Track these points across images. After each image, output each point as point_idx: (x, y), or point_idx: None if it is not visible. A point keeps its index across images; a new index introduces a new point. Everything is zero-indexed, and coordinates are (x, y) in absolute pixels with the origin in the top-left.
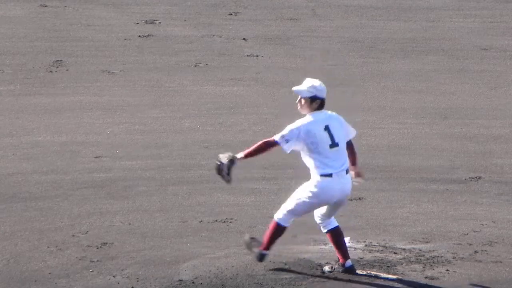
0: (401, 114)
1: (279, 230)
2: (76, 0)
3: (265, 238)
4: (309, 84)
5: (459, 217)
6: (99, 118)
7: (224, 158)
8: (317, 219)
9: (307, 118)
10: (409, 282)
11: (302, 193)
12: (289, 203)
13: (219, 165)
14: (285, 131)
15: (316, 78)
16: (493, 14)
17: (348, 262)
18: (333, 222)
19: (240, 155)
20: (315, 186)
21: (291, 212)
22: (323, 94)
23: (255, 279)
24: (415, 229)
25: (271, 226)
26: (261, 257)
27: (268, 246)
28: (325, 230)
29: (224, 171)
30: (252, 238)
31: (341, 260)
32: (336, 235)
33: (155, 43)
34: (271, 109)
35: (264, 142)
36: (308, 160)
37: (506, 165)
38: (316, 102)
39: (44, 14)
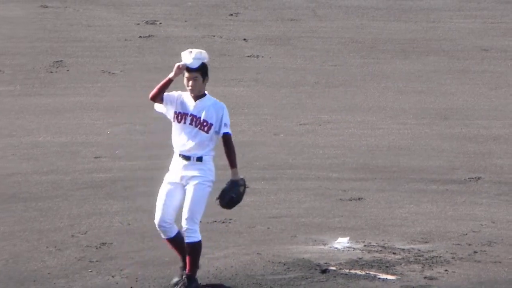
0: (401, 115)
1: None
2: (76, 0)
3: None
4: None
5: (459, 218)
6: (99, 118)
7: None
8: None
9: None
10: (408, 283)
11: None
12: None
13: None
14: (228, 121)
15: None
16: (494, 14)
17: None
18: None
19: (235, 172)
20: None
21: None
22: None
23: (254, 279)
24: (414, 229)
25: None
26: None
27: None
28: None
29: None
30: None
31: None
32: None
33: (155, 43)
34: (271, 109)
35: (233, 145)
36: (210, 144)
37: (506, 166)
38: (207, 79)
39: (44, 15)
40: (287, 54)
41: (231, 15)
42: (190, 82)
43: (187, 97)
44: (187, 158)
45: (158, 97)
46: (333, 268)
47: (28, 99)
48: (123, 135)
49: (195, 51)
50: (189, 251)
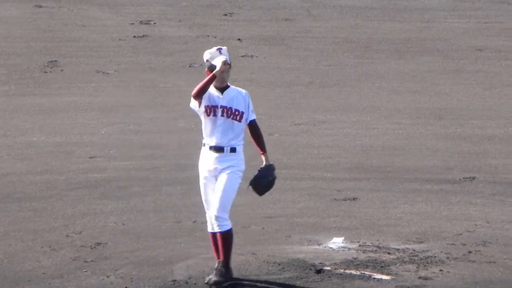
0: (395, 115)
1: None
2: (71, 0)
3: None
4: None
5: (453, 217)
6: (93, 118)
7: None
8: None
9: None
10: (403, 283)
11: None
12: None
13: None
14: (252, 107)
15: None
16: (488, 14)
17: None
18: None
19: (267, 156)
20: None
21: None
22: None
23: (249, 279)
24: (409, 229)
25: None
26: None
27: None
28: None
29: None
30: None
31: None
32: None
33: (149, 43)
34: (265, 109)
35: (259, 129)
36: (242, 133)
37: (500, 165)
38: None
39: (39, 15)
40: (281, 54)
41: (226, 15)
42: (225, 74)
43: (211, 90)
44: (220, 149)
45: (202, 95)
46: (328, 268)
47: (22, 99)
48: (117, 135)
49: (223, 48)
50: (222, 240)
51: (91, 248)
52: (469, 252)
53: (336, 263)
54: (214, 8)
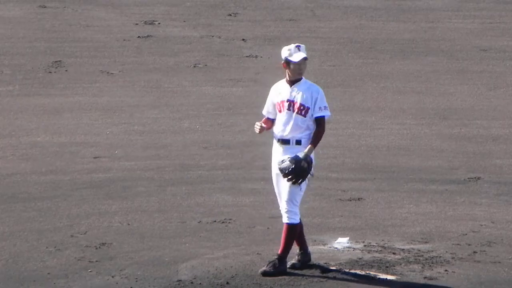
0: (400, 115)
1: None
2: (75, 1)
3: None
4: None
5: (458, 218)
6: (98, 118)
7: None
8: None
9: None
10: (408, 283)
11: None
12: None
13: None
14: (326, 103)
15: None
16: (492, 15)
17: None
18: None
19: (310, 148)
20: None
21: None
22: None
23: (254, 280)
24: (414, 229)
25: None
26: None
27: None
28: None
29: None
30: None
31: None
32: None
33: (154, 43)
34: None
35: (323, 128)
36: (309, 127)
37: (505, 166)
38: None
39: (43, 15)
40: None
41: (230, 15)
42: (302, 67)
43: (281, 84)
44: (286, 142)
45: (271, 126)
46: (333, 268)
47: (27, 99)
48: (122, 135)
49: (302, 45)
50: (286, 232)
51: (96, 248)
52: (474, 252)
53: (341, 263)
54: (218, 8)
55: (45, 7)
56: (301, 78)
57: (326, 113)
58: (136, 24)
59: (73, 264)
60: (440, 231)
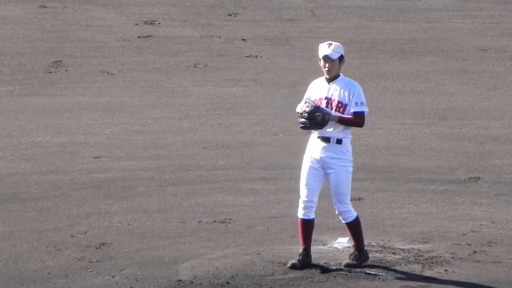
0: (400, 115)
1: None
2: (75, 1)
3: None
4: (334, 47)
5: (458, 218)
6: (98, 118)
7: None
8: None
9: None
10: (408, 283)
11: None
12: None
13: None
14: (364, 99)
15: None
16: (492, 15)
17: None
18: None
19: (335, 117)
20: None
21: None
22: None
23: (254, 280)
24: (414, 229)
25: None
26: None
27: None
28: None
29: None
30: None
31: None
32: None
33: (154, 43)
34: (270, 109)
35: (362, 122)
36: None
37: (505, 166)
38: (343, 62)
39: (43, 15)
40: (286, 54)
41: (230, 15)
42: (328, 66)
43: (320, 82)
44: (327, 140)
45: None
46: (333, 268)
47: (27, 99)
48: (122, 135)
49: (334, 44)
50: (350, 229)
51: (96, 248)
52: (474, 252)
53: (341, 263)
54: (218, 8)
55: (45, 7)
56: (339, 75)
57: (363, 109)
58: (136, 24)
59: (73, 264)
60: (440, 231)
